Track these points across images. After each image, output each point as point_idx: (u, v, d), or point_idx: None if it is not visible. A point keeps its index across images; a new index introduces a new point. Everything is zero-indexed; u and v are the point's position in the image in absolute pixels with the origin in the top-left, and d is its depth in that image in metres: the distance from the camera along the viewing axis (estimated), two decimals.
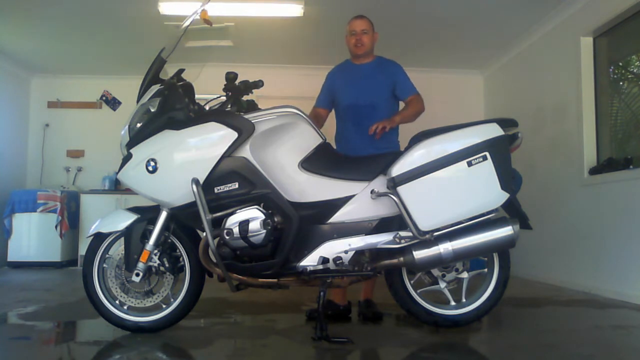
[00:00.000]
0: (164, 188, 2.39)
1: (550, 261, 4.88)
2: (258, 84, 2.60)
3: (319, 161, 2.49)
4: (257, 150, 2.40)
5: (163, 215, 2.46)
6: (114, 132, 2.98)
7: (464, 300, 2.59)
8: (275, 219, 2.40)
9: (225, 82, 2.54)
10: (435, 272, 2.56)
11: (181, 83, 2.57)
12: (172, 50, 2.55)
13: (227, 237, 2.34)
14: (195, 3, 2.99)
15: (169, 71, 2.60)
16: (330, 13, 4.82)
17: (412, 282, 2.58)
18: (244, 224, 2.33)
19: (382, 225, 2.45)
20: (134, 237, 2.47)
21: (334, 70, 3.29)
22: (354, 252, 2.40)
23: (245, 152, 2.39)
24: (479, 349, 2.52)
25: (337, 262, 2.37)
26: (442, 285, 2.57)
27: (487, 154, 2.30)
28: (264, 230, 2.33)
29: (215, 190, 2.37)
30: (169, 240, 2.54)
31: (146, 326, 2.53)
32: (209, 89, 2.79)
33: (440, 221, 2.34)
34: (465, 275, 2.56)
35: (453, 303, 2.60)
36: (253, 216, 2.34)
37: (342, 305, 3.01)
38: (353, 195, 2.45)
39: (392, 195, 2.34)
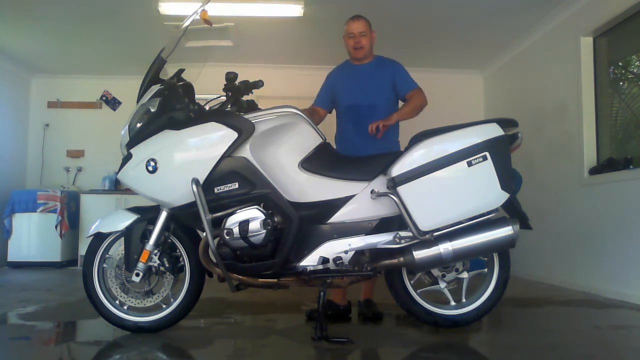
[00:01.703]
0: (164, 188, 2.39)
1: (550, 261, 4.88)
2: (258, 84, 2.59)
3: (319, 161, 2.48)
4: (257, 150, 2.40)
5: (163, 215, 2.46)
6: (114, 132, 2.98)
7: (464, 300, 2.59)
8: (275, 219, 2.40)
9: (225, 82, 2.54)
10: (435, 272, 2.56)
11: (181, 83, 2.57)
12: (172, 50, 2.55)
13: (227, 237, 2.34)
14: (195, 3, 2.99)
15: (169, 71, 2.60)
16: (330, 13, 4.82)
17: (412, 282, 2.58)
18: (244, 224, 2.33)
19: (382, 225, 2.45)
20: (134, 237, 2.47)
21: (334, 70, 3.29)
22: (354, 252, 2.40)
23: (245, 152, 2.39)
24: (479, 349, 2.52)
25: (337, 262, 2.37)
26: (442, 285, 2.57)
27: (487, 154, 2.30)
28: (264, 230, 2.33)
29: (215, 190, 2.37)
30: (169, 240, 2.54)
31: (146, 326, 2.53)
32: (209, 89, 2.79)
33: (440, 221, 2.34)
34: (465, 275, 2.56)
35: (453, 303, 2.60)
36: (253, 216, 2.34)
37: (342, 305, 3.01)
38: (353, 195, 2.45)
39: (392, 195, 2.34)
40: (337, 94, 3.17)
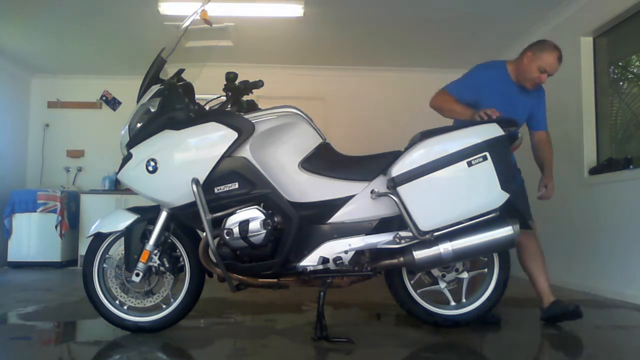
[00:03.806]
0: (164, 188, 2.39)
1: (551, 261, 4.84)
2: (258, 84, 2.59)
3: (319, 161, 2.48)
4: (257, 150, 2.40)
5: (163, 215, 2.46)
6: (114, 132, 2.97)
7: (464, 300, 2.59)
8: (275, 219, 2.39)
9: (225, 82, 2.54)
10: (435, 272, 2.55)
11: (181, 83, 2.57)
12: (172, 50, 2.55)
13: (227, 237, 2.34)
14: (195, 3, 2.99)
15: (169, 71, 2.60)
16: (330, 13, 4.81)
17: (412, 282, 2.58)
18: (244, 224, 2.32)
19: (382, 225, 2.44)
20: (134, 237, 2.47)
21: (489, 70, 3.03)
22: (354, 252, 2.39)
23: (245, 152, 2.39)
24: (479, 349, 2.52)
25: (337, 262, 2.37)
26: (442, 285, 2.57)
27: (487, 154, 2.30)
28: (264, 230, 2.33)
29: (215, 190, 2.37)
30: (169, 240, 2.54)
31: (146, 326, 2.53)
32: (209, 89, 2.79)
33: (440, 221, 2.33)
34: (465, 275, 2.56)
35: (453, 303, 2.60)
36: (253, 216, 2.34)
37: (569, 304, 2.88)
38: (353, 196, 2.45)
39: (392, 195, 2.34)
40: (484, 99, 2.78)
